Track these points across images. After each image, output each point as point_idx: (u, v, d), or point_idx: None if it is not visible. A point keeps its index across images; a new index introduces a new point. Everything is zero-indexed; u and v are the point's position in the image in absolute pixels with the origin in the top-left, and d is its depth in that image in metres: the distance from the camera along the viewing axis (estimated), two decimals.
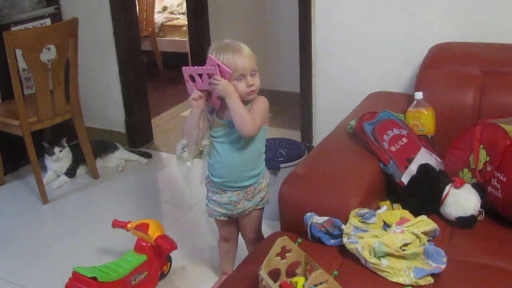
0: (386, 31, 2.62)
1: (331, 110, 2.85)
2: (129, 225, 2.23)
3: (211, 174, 1.95)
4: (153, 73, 5.25)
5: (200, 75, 1.75)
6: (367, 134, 1.91)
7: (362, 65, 2.72)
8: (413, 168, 1.89)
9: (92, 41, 3.45)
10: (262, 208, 2.02)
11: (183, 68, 1.77)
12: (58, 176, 3.22)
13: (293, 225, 1.73)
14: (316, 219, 1.62)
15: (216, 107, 1.82)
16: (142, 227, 2.17)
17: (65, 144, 3.17)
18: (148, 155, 3.49)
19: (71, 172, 3.22)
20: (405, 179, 1.85)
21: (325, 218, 1.62)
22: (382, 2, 2.58)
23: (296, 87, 3.08)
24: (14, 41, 2.61)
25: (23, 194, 3.09)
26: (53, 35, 2.75)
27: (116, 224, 2.27)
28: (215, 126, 1.86)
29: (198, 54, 4.44)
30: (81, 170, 3.28)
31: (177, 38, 5.38)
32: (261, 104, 1.82)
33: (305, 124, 2.98)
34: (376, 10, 2.60)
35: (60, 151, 3.14)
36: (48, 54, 2.97)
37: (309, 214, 1.64)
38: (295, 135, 3.09)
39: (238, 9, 4.36)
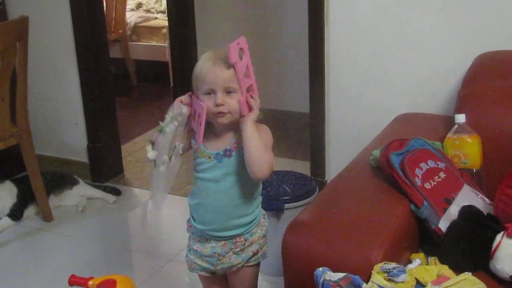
0: (419, 37, 2.64)
1: (348, 136, 2.86)
2: (90, 282, 2.18)
3: (192, 218, 1.94)
4: (124, 87, 5.29)
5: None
6: (395, 167, 1.91)
7: (389, 79, 2.74)
8: (453, 211, 1.88)
9: (46, 45, 3.48)
10: (257, 265, 2.00)
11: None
12: (0, 218, 3.21)
13: (300, 283, 1.72)
14: (329, 276, 1.61)
15: (197, 131, 1.81)
16: (108, 285, 2.14)
17: None
18: (116, 192, 3.49)
19: (15, 213, 3.22)
20: (443, 225, 1.85)
21: (341, 274, 1.61)
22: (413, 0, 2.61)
23: (305, 107, 3.10)
24: None
25: None
26: None
27: (74, 281, 2.23)
28: (199, 155, 1.87)
29: (182, 63, 4.46)
30: (29, 210, 3.29)
31: (154, 43, 5.44)
32: (268, 136, 1.83)
33: (316, 153, 2.98)
34: (406, 10, 2.62)
35: None
36: None
37: (321, 269, 1.63)
38: (303, 167, 3.10)
39: (232, 6, 4.41)
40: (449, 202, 1.92)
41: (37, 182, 3.18)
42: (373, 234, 1.72)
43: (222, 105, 1.75)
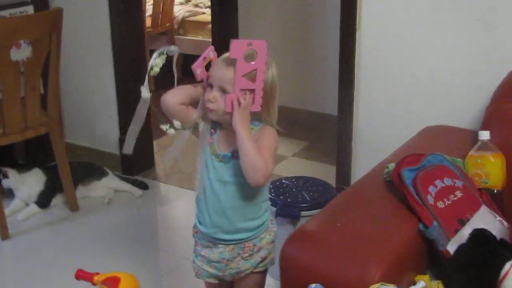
0: (452, 47, 2.56)
1: (376, 145, 2.80)
2: (96, 278, 2.18)
3: (198, 221, 1.92)
4: (168, 81, 5.27)
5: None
6: (406, 184, 1.84)
7: (419, 89, 2.67)
8: (466, 233, 1.80)
9: (83, 38, 3.51)
10: (265, 272, 1.97)
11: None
12: (27, 205, 3.26)
13: None
14: None
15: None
16: (112, 282, 2.13)
17: (9, 170, 3.19)
18: (144, 186, 3.50)
19: (43, 201, 3.26)
20: (452, 247, 1.77)
21: None
22: (448, 8, 2.52)
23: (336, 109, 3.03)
24: None
25: None
26: (28, 28, 2.81)
27: (81, 275, 2.23)
28: (210, 151, 1.84)
29: None
30: (57, 199, 3.33)
31: (200, 38, 5.43)
32: (271, 140, 1.78)
33: (342, 161, 2.93)
34: (439, 19, 2.55)
35: (6, 177, 3.19)
36: (22, 51, 3.02)
37: (313, 285, 1.58)
38: (331, 173, 3.04)
39: (275, 3, 4.38)
40: (462, 223, 1.84)
41: (65, 172, 3.21)
42: (373, 252, 1.67)
43: (211, 101, 1.74)
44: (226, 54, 1.76)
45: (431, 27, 2.57)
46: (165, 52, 1.80)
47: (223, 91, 1.72)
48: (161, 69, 1.82)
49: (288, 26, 4.36)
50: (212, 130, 1.84)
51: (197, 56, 1.79)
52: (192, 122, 1.83)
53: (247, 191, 1.81)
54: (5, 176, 3.20)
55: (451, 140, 2.32)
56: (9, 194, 3.28)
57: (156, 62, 1.80)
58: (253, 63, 1.70)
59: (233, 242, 1.87)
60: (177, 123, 1.81)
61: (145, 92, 1.82)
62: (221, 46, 4.64)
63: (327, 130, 4.07)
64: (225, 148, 1.81)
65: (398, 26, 2.64)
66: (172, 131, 1.83)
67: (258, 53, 1.70)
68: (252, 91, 1.71)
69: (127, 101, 3.54)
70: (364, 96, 2.80)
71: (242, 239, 1.87)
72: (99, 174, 3.43)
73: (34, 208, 3.24)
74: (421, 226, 1.80)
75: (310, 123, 4.30)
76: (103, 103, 3.62)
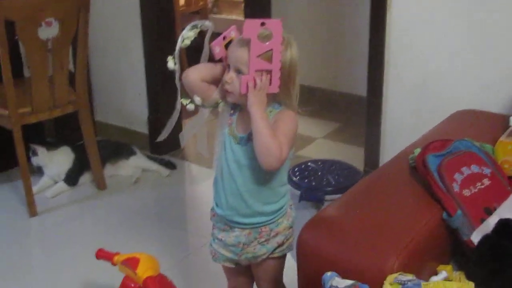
0: (489, 29, 2.46)
1: (406, 127, 2.74)
2: (116, 258, 2.20)
3: (215, 203, 1.91)
4: (198, 59, 5.25)
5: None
6: (430, 170, 1.78)
7: (452, 71, 2.59)
8: (492, 223, 1.74)
9: (110, 14, 3.50)
10: (283, 257, 1.94)
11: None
12: (56, 182, 3.28)
13: (312, 284, 1.64)
14: (337, 282, 1.51)
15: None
16: (131, 263, 2.13)
17: (39, 148, 3.21)
18: (172, 166, 3.49)
19: (71, 179, 3.28)
20: (476, 237, 1.71)
21: (350, 282, 1.50)
22: None
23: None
24: (5, 9, 2.67)
25: (9, 202, 3.16)
26: (56, 6, 2.80)
27: (101, 255, 2.25)
28: (228, 132, 1.81)
29: None
30: (85, 177, 3.34)
31: (234, 17, 5.38)
32: (290, 124, 1.73)
33: (371, 143, 2.87)
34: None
35: (35, 154, 3.20)
36: (50, 29, 3.02)
37: (329, 274, 1.53)
38: (361, 155, 2.99)
39: None
40: (489, 212, 1.78)
41: (93, 150, 3.21)
42: (392, 241, 1.61)
43: (228, 83, 1.71)
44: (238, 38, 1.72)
45: (464, 6, 2.49)
46: (198, 26, 1.76)
47: (239, 72, 1.68)
48: (194, 44, 1.78)
49: (321, 5, 4.29)
50: (232, 111, 1.81)
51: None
52: (213, 101, 1.79)
53: (263, 175, 1.77)
54: (34, 153, 3.23)
55: (482, 125, 2.25)
56: (38, 171, 3.30)
57: (188, 35, 1.77)
58: (268, 43, 1.65)
59: (250, 226, 1.85)
60: (197, 99, 1.78)
61: (171, 63, 1.79)
62: None
63: (359, 112, 3.98)
64: (242, 129, 1.78)
65: (429, 7, 2.56)
66: (192, 106, 1.79)
67: (274, 33, 1.65)
68: (268, 72, 1.66)
69: (156, 79, 3.53)
70: (394, 78, 2.74)
71: (259, 223, 1.84)
72: (127, 153, 3.43)
73: (62, 185, 3.26)
74: (444, 214, 1.74)
75: (342, 105, 4.23)
76: (133, 81, 3.61)
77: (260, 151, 1.66)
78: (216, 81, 1.78)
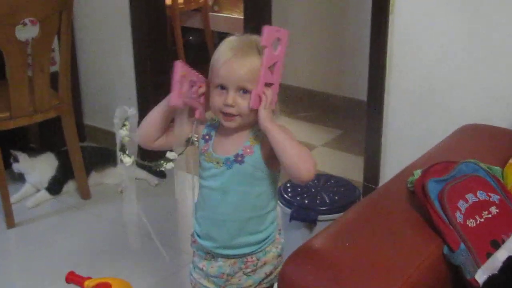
0: (501, 34, 2.29)
1: (408, 140, 2.58)
2: (86, 283, 2.06)
3: (196, 233, 1.76)
4: (201, 59, 5.10)
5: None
6: (430, 198, 1.60)
7: (459, 81, 2.42)
8: (500, 258, 1.56)
9: (99, 16, 3.38)
10: (271, 287, 1.80)
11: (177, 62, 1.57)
12: (38, 190, 3.15)
13: None
14: None
15: (198, 108, 1.61)
16: None
17: (20, 154, 3.08)
18: (161, 174, 3.32)
19: (54, 188, 3.14)
20: (481, 276, 1.53)
21: None
22: None
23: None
24: None
25: None
26: (34, 6, 2.66)
27: (71, 278, 2.10)
28: (205, 159, 1.66)
29: None
30: (69, 186, 3.21)
31: (235, 16, 5.22)
32: (291, 133, 1.61)
33: (371, 156, 2.70)
34: (484, 2, 2.28)
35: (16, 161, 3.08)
36: (28, 30, 2.87)
37: None
38: (358, 164, 2.83)
39: None
40: (496, 245, 1.60)
41: (76, 157, 3.07)
42: (386, 279, 1.44)
43: (232, 106, 1.54)
44: (229, 44, 1.56)
45: (474, 10, 2.32)
46: (125, 122, 1.67)
47: (243, 90, 1.53)
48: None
49: (323, 6, 4.14)
50: (207, 137, 1.66)
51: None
52: (182, 140, 1.68)
53: (252, 200, 1.65)
54: (16, 160, 3.10)
55: (490, 143, 2.08)
56: (20, 178, 3.17)
57: (123, 134, 1.69)
58: (276, 52, 1.51)
59: (235, 257, 1.72)
60: (170, 154, 1.70)
61: (126, 159, 1.75)
62: (253, 23, 4.45)
63: (362, 117, 3.82)
64: (223, 151, 1.63)
65: (437, 10, 2.40)
66: (171, 164, 1.72)
67: (282, 43, 1.51)
68: (270, 85, 1.53)
69: (146, 83, 3.40)
70: (396, 86, 2.57)
71: (244, 254, 1.71)
72: (114, 160, 3.25)
73: (44, 194, 3.12)
74: (445, 249, 1.56)
75: (344, 110, 4.06)
76: (122, 85, 3.49)
77: (294, 162, 1.52)
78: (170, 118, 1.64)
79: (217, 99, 1.55)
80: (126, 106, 1.65)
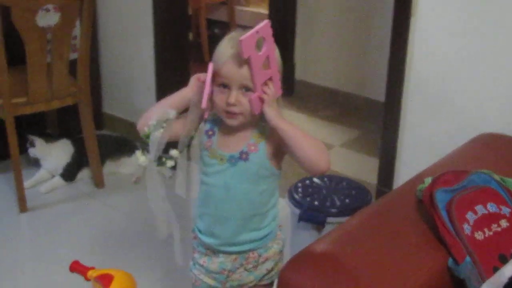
0: None
1: (425, 143, 2.53)
2: (89, 273, 2.07)
3: (198, 229, 1.76)
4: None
5: None
6: (438, 208, 1.57)
7: (479, 88, 2.37)
8: (507, 274, 1.51)
9: (121, 5, 3.36)
10: (271, 284, 1.79)
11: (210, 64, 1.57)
12: (53, 176, 3.15)
13: None
14: None
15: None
16: (104, 280, 2.00)
17: (37, 139, 3.08)
18: (176, 166, 3.29)
19: (68, 174, 3.13)
20: None
21: None
22: None
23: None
24: None
25: (0, 195, 3.03)
26: None
27: (75, 268, 2.10)
28: (209, 155, 1.65)
29: (278, 34, 4.19)
30: (84, 173, 3.20)
31: (262, 11, 5.18)
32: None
33: (386, 160, 2.65)
34: (507, 6, 2.22)
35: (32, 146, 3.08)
36: (49, 17, 2.86)
37: None
38: (376, 166, 2.76)
39: None
40: (504, 260, 1.56)
41: (92, 145, 3.06)
42: None
43: (234, 105, 1.53)
44: (231, 41, 1.54)
45: (498, 15, 2.26)
46: (163, 123, 1.61)
47: (247, 89, 1.52)
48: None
49: (348, 5, 4.06)
50: (210, 132, 1.65)
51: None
52: (187, 137, 1.65)
53: (255, 198, 1.64)
54: (32, 144, 3.10)
55: (507, 154, 2.03)
56: (35, 164, 3.17)
57: (152, 133, 1.64)
58: (263, 50, 1.50)
59: (236, 253, 1.71)
60: (173, 152, 1.66)
61: (142, 159, 1.69)
62: (277, 19, 4.42)
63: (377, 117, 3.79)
64: (228, 148, 1.62)
65: (460, 14, 2.34)
66: (172, 163, 1.68)
67: (266, 37, 1.50)
68: (270, 78, 1.52)
69: (165, 74, 3.36)
70: (415, 89, 2.51)
71: (246, 250, 1.70)
72: (130, 149, 3.26)
73: (58, 180, 3.12)
74: (450, 261, 1.53)
75: (365, 111, 3.99)
76: (142, 75, 3.46)
77: (311, 154, 1.53)
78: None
79: (220, 97, 1.54)
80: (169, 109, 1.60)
